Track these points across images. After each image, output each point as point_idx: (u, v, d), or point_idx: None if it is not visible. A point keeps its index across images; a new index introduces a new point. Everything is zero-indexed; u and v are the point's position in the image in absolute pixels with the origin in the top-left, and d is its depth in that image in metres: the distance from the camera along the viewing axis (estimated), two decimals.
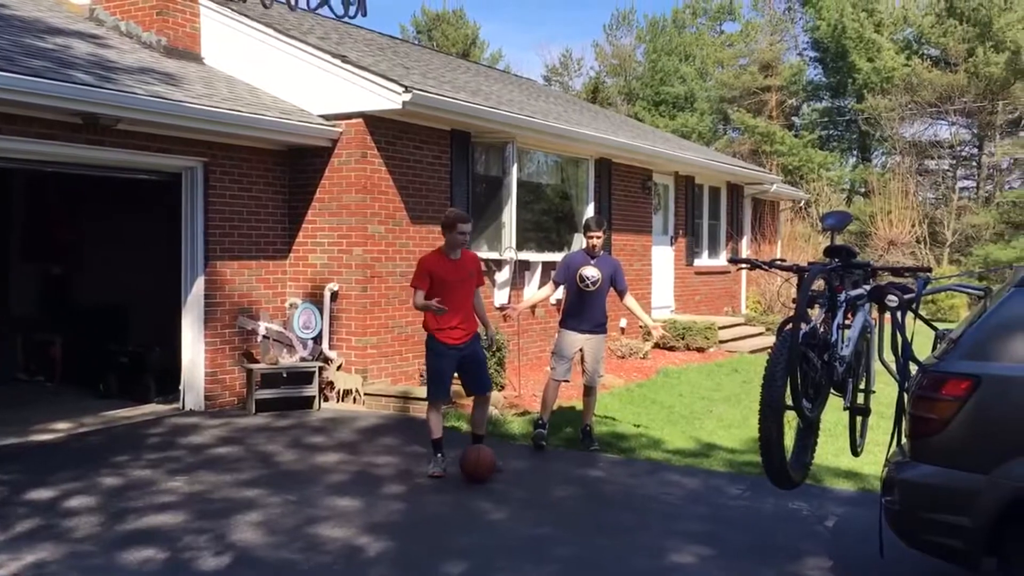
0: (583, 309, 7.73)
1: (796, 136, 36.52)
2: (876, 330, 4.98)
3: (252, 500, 5.98)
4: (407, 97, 8.92)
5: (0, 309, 11.13)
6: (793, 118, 39.79)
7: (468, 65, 18.27)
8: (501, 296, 11.05)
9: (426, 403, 7.03)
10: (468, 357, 6.83)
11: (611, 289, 7.82)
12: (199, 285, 8.98)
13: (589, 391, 7.86)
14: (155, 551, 4.98)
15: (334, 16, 8.87)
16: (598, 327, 7.77)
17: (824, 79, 39.72)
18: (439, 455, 6.74)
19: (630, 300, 7.94)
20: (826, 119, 39.05)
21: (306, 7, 8.84)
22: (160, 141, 8.40)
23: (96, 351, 10.08)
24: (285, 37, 9.86)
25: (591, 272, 7.65)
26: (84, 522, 5.45)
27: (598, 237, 7.75)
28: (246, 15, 10.17)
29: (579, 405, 8.27)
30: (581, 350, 7.77)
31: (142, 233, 10.23)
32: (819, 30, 37.12)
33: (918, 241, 26.17)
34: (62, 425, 8.22)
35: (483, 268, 7.66)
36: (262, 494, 6.12)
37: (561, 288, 7.98)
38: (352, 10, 8.63)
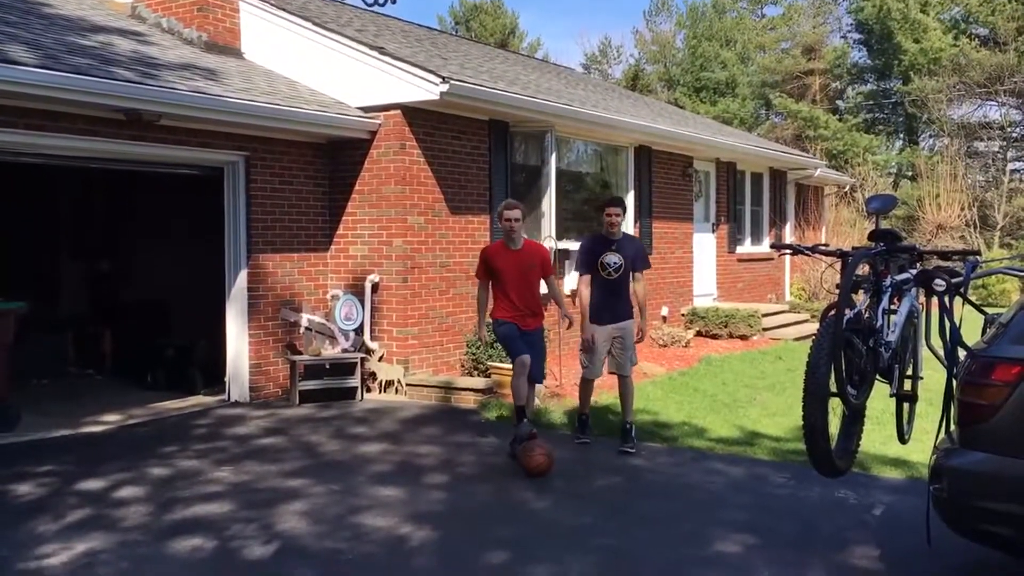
0: (606, 299, 7.24)
1: (840, 120, 35.90)
2: (923, 315, 4.88)
3: (297, 490, 6.05)
4: (445, 88, 8.93)
5: (51, 305, 11.37)
6: (837, 102, 39.11)
7: (506, 55, 18.23)
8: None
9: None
10: (530, 344, 7.04)
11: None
12: (242, 278, 9.08)
13: (623, 380, 7.33)
14: (203, 540, 5.06)
15: (364, 5, 8.89)
16: (623, 316, 7.30)
17: (869, 61, 38.99)
18: (524, 420, 6.81)
19: (640, 288, 7.36)
20: (871, 102, 38.32)
21: None
22: (202, 136, 8.51)
23: (143, 344, 10.29)
24: (323, 30, 9.92)
25: (613, 259, 7.18)
26: (133, 512, 5.55)
27: (616, 215, 7.20)
28: (284, 9, 10.26)
29: (616, 396, 7.74)
30: (610, 343, 7.31)
31: (186, 227, 10.39)
32: (863, 11, 36.38)
33: (967, 225, 25.62)
34: (111, 417, 8.39)
35: (550, 258, 7.63)
36: (307, 484, 6.19)
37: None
38: None
